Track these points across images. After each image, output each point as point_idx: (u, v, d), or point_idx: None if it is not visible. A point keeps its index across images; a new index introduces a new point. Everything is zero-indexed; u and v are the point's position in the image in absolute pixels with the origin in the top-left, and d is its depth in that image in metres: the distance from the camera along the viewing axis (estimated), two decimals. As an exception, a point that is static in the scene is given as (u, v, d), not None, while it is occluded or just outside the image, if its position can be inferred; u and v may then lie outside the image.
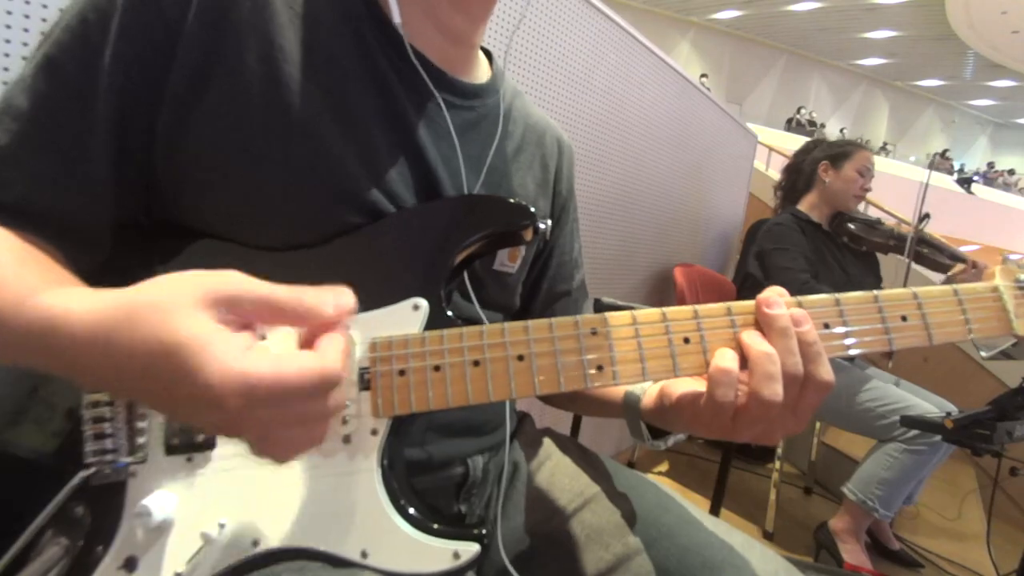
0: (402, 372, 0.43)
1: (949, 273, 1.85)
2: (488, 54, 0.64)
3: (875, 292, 0.43)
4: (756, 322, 0.42)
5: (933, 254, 1.90)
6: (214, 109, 0.43)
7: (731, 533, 0.55)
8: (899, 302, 0.43)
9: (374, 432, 0.43)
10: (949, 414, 1.05)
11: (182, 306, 0.31)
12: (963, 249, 1.90)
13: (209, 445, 0.42)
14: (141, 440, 0.41)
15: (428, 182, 0.51)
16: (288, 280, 0.45)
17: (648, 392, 0.54)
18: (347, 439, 0.43)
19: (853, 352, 0.42)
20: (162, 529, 0.40)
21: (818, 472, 2.24)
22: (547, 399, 0.71)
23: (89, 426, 0.40)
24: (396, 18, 0.49)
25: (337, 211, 0.46)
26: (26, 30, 0.67)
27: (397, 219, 0.48)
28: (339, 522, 0.42)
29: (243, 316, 0.33)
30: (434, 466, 0.54)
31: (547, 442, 0.67)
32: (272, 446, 0.34)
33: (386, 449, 0.43)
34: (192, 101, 0.43)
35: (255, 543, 0.41)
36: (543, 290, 0.68)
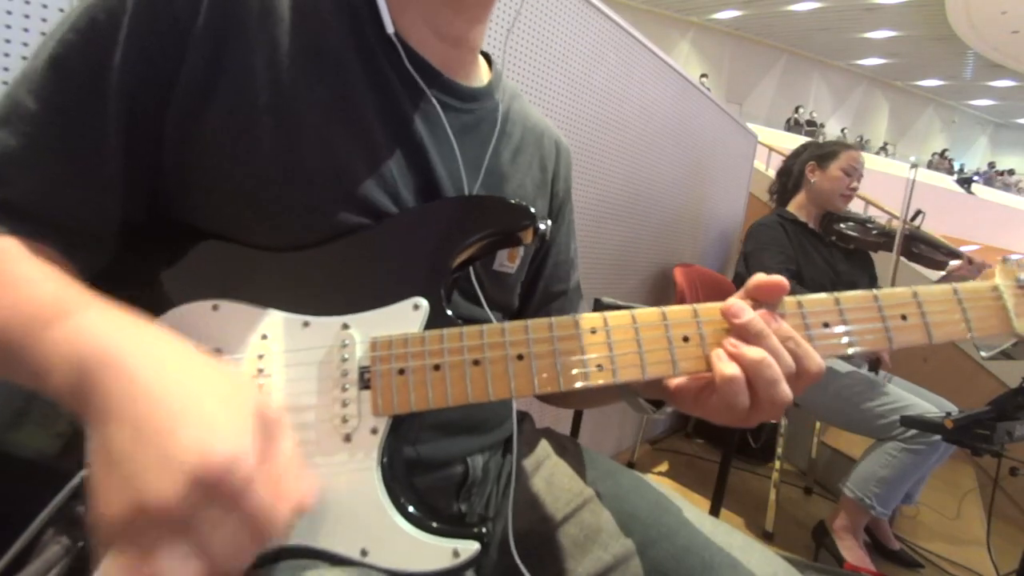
0: (402, 371, 0.43)
1: (946, 270, 1.85)
2: (488, 58, 0.65)
3: (875, 291, 0.43)
4: (729, 331, 0.42)
5: (928, 251, 1.90)
6: (221, 111, 0.43)
7: (731, 534, 0.56)
8: (899, 301, 0.43)
9: (374, 431, 0.43)
10: (949, 414, 1.05)
11: (243, 400, 0.31)
12: (963, 249, 1.90)
13: None
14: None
15: (429, 183, 0.51)
16: (292, 279, 0.45)
17: None
18: (347, 438, 0.43)
19: (852, 351, 0.42)
20: (162, 528, 0.40)
21: (818, 472, 2.24)
22: (549, 395, 0.71)
23: (90, 425, 0.40)
24: (389, 28, 0.49)
25: (341, 212, 0.46)
26: (26, 30, 0.67)
27: (398, 220, 0.48)
28: (339, 520, 0.42)
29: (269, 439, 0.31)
30: (434, 465, 0.54)
31: (547, 442, 0.67)
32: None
33: (386, 448, 0.43)
34: (200, 103, 0.43)
35: (255, 542, 0.41)
36: (539, 290, 0.69)
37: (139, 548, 0.26)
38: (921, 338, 0.42)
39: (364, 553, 0.42)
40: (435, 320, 0.45)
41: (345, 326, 0.44)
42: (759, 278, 0.43)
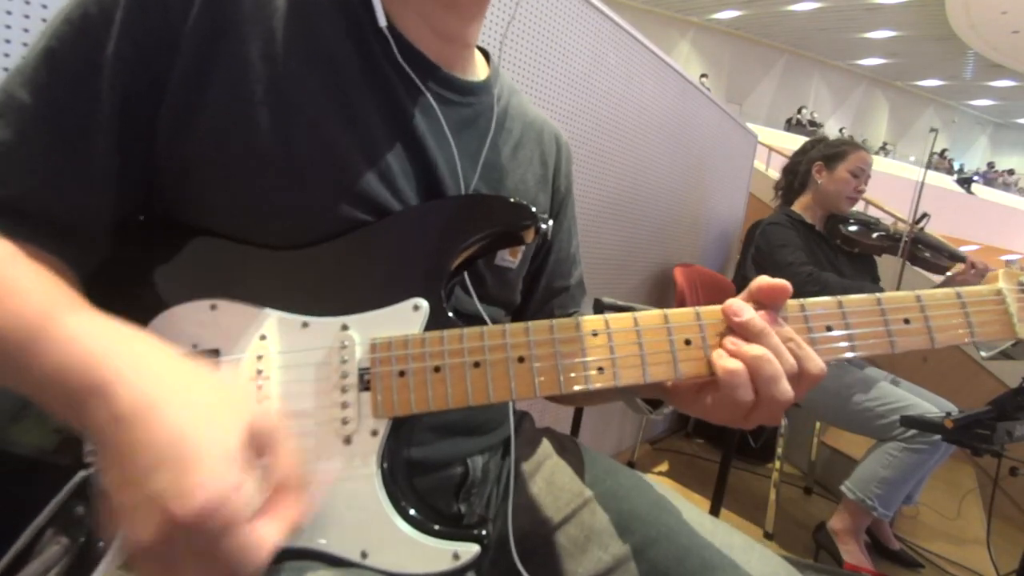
0: (402, 373, 0.43)
1: (948, 274, 1.85)
2: (486, 53, 0.64)
3: (878, 295, 0.43)
4: (729, 331, 0.42)
5: (932, 256, 1.88)
6: (216, 106, 0.43)
7: (731, 534, 0.55)
8: (902, 305, 0.43)
9: (374, 433, 0.43)
10: (949, 414, 1.05)
11: (228, 418, 0.31)
12: (963, 249, 1.90)
13: None
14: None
15: (429, 178, 0.51)
16: (290, 278, 0.45)
17: None
18: (347, 440, 0.43)
19: (855, 355, 0.42)
20: (162, 529, 0.40)
21: (818, 472, 2.24)
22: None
23: (89, 426, 0.40)
24: (381, 21, 0.49)
25: (340, 208, 0.46)
26: (26, 30, 0.67)
27: (397, 219, 0.48)
28: (339, 522, 0.42)
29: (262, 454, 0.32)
30: (434, 466, 0.54)
31: (547, 442, 0.67)
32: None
33: (386, 450, 0.43)
34: (194, 97, 0.43)
35: (255, 543, 0.41)
36: (540, 286, 0.68)
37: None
38: (924, 342, 0.42)
39: (364, 555, 0.42)
40: (435, 321, 0.45)
41: (344, 327, 0.44)
42: (762, 280, 0.42)
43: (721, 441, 2.24)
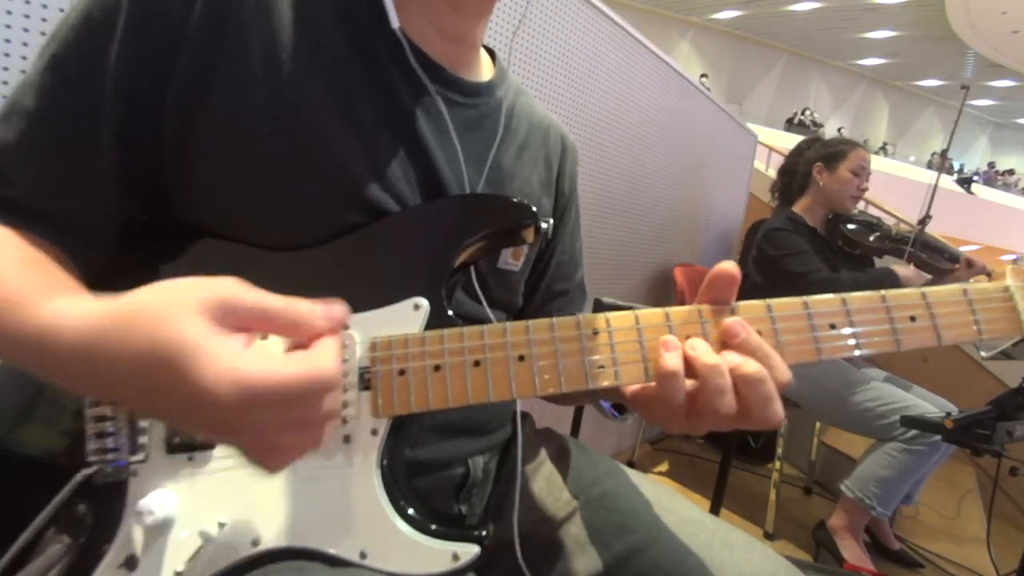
0: (402, 372, 0.43)
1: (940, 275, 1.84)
2: (492, 53, 0.64)
3: (883, 292, 0.42)
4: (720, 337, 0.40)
5: (932, 258, 1.87)
6: (218, 109, 0.43)
7: (732, 533, 0.55)
8: (908, 302, 0.42)
9: (374, 432, 0.43)
10: (949, 414, 1.05)
11: (177, 311, 0.31)
12: (963, 249, 1.89)
13: (210, 444, 0.42)
14: (143, 439, 0.41)
15: (432, 180, 0.51)
16: (291, 279, 0.45)
17: None
18: (347, 439, 0.43)
19: (859, 353, 0.42)
20: (163, 528, 0.40)
21: (818, 472, 2.24)
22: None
23: (91, 425, 0.40)
24: (395, 23, 0.49)
25: (341, 210, 0.46)
26: (26, 30, 0.67)
27: (399, 218, 0.48)
28: (338, 522, 0.42)
29: (237, 323, 0.32)
30: (434, 466, 0.54)
31: (547, 442, 0.67)
32: (267, 452, 0.33)
33: (386, 449, 0.43)
34: (196, 100, 0.43)
35: (254, 543, 0.41)
36: (542, 288, 0.68)
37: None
38: (930, 340, 0.41)
39: (363, 555, 0.42)
40: (436, 320, 0.45)
41: (345, 326, 0.44)
42: (721, 268, 0.41)
43: (721, 441, 2.24)
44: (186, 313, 0.30)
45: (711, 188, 2.50)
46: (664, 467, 2.26)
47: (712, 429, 0.40)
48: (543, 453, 0.65)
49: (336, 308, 0.35)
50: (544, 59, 1.36)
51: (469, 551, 0.42)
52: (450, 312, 0.46)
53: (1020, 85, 15.89)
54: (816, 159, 1.88)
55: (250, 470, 0.42)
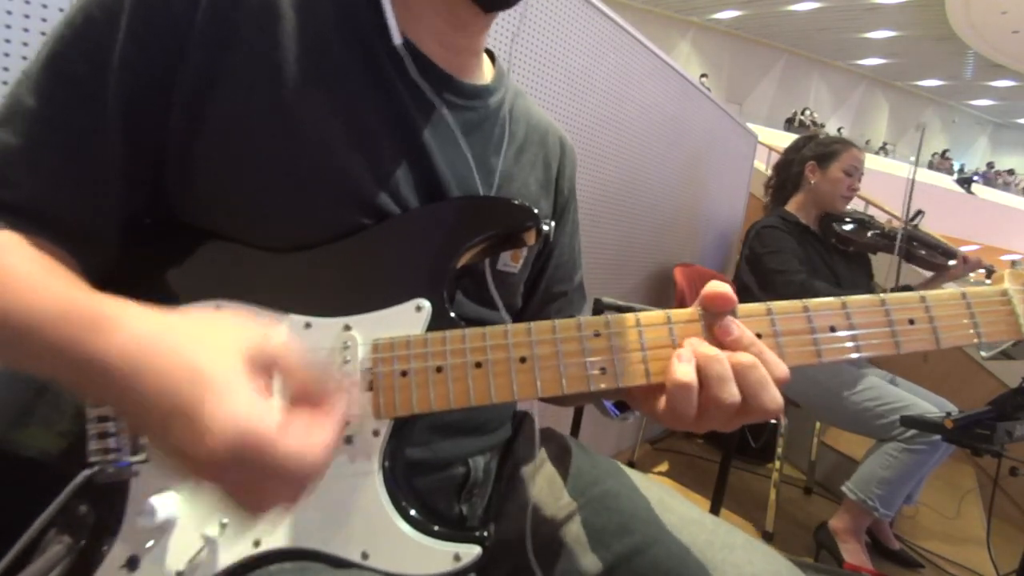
0: (404, 373, 0.43)
1: (938, 270, 1.84)
2: (492, 55, 0.64)
3: (882, 295, 0.42)
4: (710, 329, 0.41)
5: (928, 254, 1.87)
6: (221, 111, 0.43)
7: (732, 533, 0.55)
8: (907, 305, 0.42)
9: (376, 433, 0.43)
10: (949, 414, 1.05)
11: (221, 343, 0.32)
12: (963, 249, 1.89)
13: None
14: (144, 440, 0.41)
15: (432, 184, 0.51)
16: (294, 280, 0.45)
17: None
18: (349, 440, 0.43)
19: (859, 356, 0.42)
20: (164, 528, 0.40)
21: (818, 472, 2.24)
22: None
23: (93, 425, 0.40)
24: (396, 40, 0.49)
25: (343, 213, 0.46)
26: (26, 30, 0.67)
27: (401, 220, 0.48)
28: (340, 523, 0.42)
29: (268, 373, 0.33)
30: (435, 466, 0.54)
31: (548, 442, 0.67)
32: (245, 500, 0.32)
33: (388, 450, 0.43)
34: (200, 103, 0.43)
35: (256, 543, 0.41)
36: (540, 290, 0.68)
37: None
38: (929, 343, 0.42)
39: (365, 556, 0.42)
40: (438, 322, 0.45)
41: (347, 327, 0.44)
42: (713, 287, 0.42)
43: (721, 441, 2.24)
44: (231, 350, 0.32)
45: (711, 188, 2.50)
46: (664, 467, 2.26)
47: (716, 427, 0.40)
48: (544, 453, 0.65)
49: (349, 381, 0.35)
50: (544, 59, 1.36)
51: (471, 552, 0.42)
52: (452, 314, 0.46)
53: (1020, 85, 15.89)
54: (810, 157, 1.88)
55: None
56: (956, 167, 15.65)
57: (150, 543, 0.40)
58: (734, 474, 2.11)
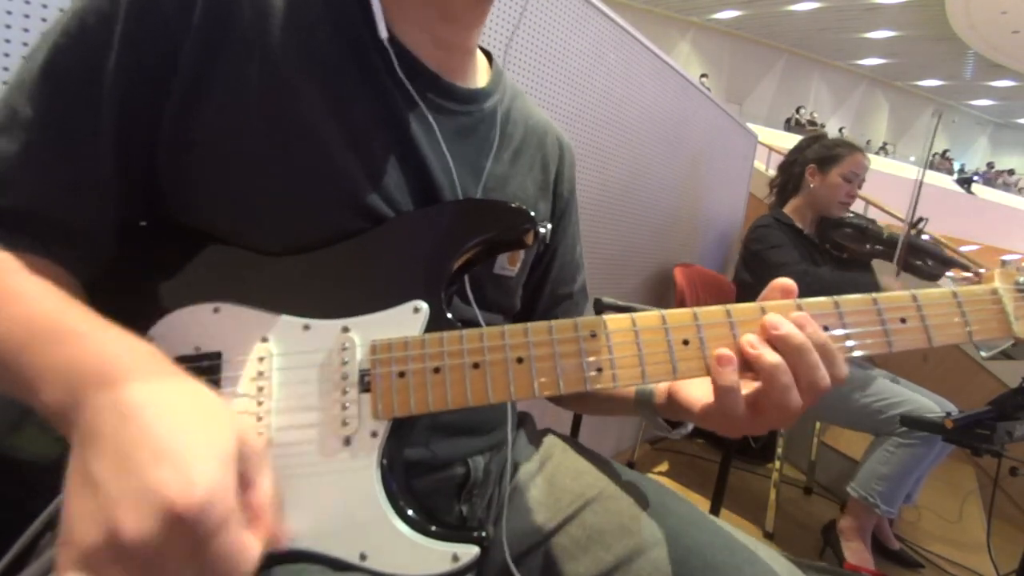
0: (402, 374, 0.43)
1: (949, 274, 1.82)
2: (488, 55, 0.64)
3: (874, 295, 0.43)
4: (761, 328, 0.42)
5: (925, 264, 1.84)
6: (216, 115, 0.43)
7: (733, 534, 0.55)
8: (898, 304, 0.43)
9: (374, 434, 0.43)
10: (949, 414, 1.05)
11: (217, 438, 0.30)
12: (963, 249, 1.88)
13: None
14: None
15: (426, 187, 0.51)
16: (290, 283, 0.45)
17: (659, 388, 0.54)
18: (347, 441, 0.43)
19: (853, 355, 0.42)
20: (162, 530, 0.40)
21: (818, 472, 2.24)
22: (555, 399, 0.71)
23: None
24: (382, 34, 0.49)
25: (338, 216, 0.47)
26: (26, 30, 0.67)
27: (398, 223, 0.48)
28: (338, 524, 0.42)
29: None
30: (435, 466, 0.54)
31: (547, 442, 0.67)
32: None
33: (386, 451, 0.43)
34: (194, 107, 0.43)
35: (255, 545, 0.41)
36: (545, 293, 0.68)
37: None
38: (921, 341, 0.42)
39: (363, 557, 0.42)
40: (435, 323, 0.45)
41: (345, 329, 0.44)
42: (778, 283, 0.43)
43: (721, 441, 2.24)
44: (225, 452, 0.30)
45: (711, 188, 2.50)
46: (664, 467, 2.26)
47: (772, 425, 0.42)
48: (544, 454, 0.65)
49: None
50: (543, 59, 1.36)
51: (469, 552, 0.42)
52: (449, 315, 0.46)
53: (1020, 85, 15.90)
54: (811, 159, 1.86)
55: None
56: (956, 167, 15.65)
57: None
58: (734, 474, 2.11)
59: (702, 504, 1.63)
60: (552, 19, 1.37)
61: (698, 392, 0.47)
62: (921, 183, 1.78)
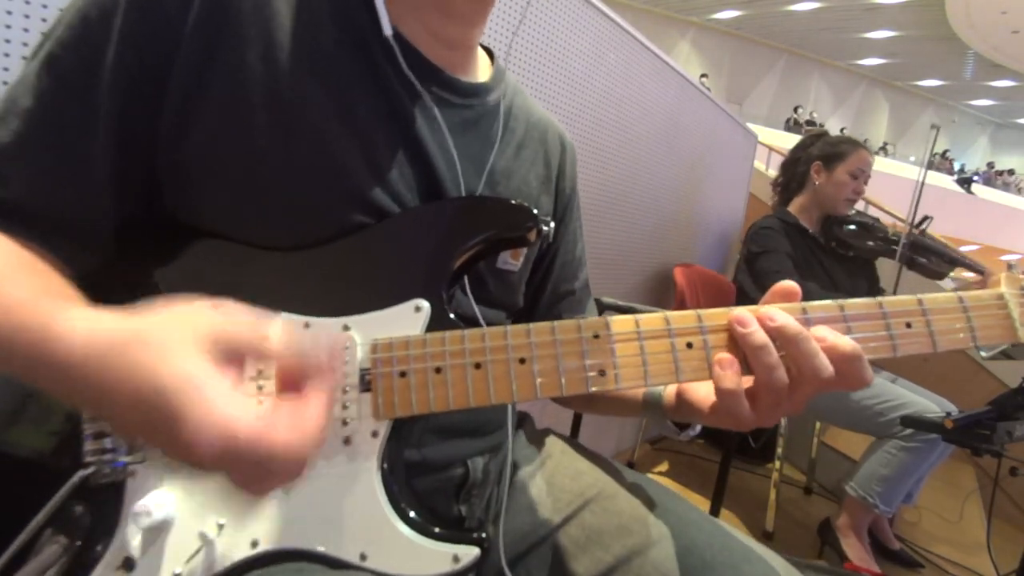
0: (403, 374, 0.42)
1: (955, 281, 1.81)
2: (490, 52, 0.64)
3: (880, 299, 0.42)
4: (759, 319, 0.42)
5: (930, 262, 1.83)
6: (215, 108, 0.43)
7: (732, 534, 0.55)
8: (904, 308, 0.42)
9: (374, 434, 0.43)
10: (949, 414, 1.05)
11: (181, 345, 0.31)
12: (963, 249, 1.88)
13: None
14: (140, 440, 0.41)
15: (430, 181, 0.51)
16: (291, 280, 0.45)
17: (668, 390, 0.54)
18: (347, 441, 0.43)
19: None
20: (161, 529, 0.40)
21: (818, 472, 2.24)
22: (558, 399, 0.71)
23: (88, 425, 0.40)
24: (387, 30, 0.49)
25: (340, 210, 0.46)
26: (26, 30, 0.67)
27: (399, 220, 0.48)
28: (338, 524, 0.42)
29: (237, 357, 0.33)
30: (434, 467, 0.53)
31: (547, 442, 0.67)
32: (245, 485, 0.33)
33: (386, 451, 0.43)
34: (194, 100, 0.43)
35: (254, 544, 0.41)
36: (548, 291, 0.68)
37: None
38: (926, 346, 0.42)
39: (363, 557, 0.42)
40: (437, 322, 0.44)
41: (346, 327, 0.44)
42: (781, 286, 0.43)
43: (721, 441, 2.24)
44: (190, 349, 0.31)
45: (711, 188, 2.50)
46: (664, 467, 2.25)
47: (775, 415, 0.43)
48: (543, 454, 0.65)
49: (336, 347, 0.35)
50: (543, 59, 1.36)
51: (469, 553, 0.42)
52: (451, 315, 0.46)
53: (1020, 85, 15.90)
54: (816, 157, 1.85)
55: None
56: (956, 167, 15.65)
57: (147, 544, 0.40)
58: (734, 474, 2.11)
59: (702, 504, 1.62)
60: (553, 19, 1.36)
61: (706, 390, 0.47)
62: (922, 186, 1.78)
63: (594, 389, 0.42)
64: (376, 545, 0.42)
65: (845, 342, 0.40)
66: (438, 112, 0.52)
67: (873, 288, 1.89)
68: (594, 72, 1.55)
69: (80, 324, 0.33)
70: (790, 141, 2.10)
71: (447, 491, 0.56)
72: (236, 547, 0.41)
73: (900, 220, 1.92)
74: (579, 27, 1.45)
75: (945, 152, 16.71)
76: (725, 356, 0.41)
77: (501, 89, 0.60)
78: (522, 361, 0.42)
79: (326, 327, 0.44)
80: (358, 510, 0.42)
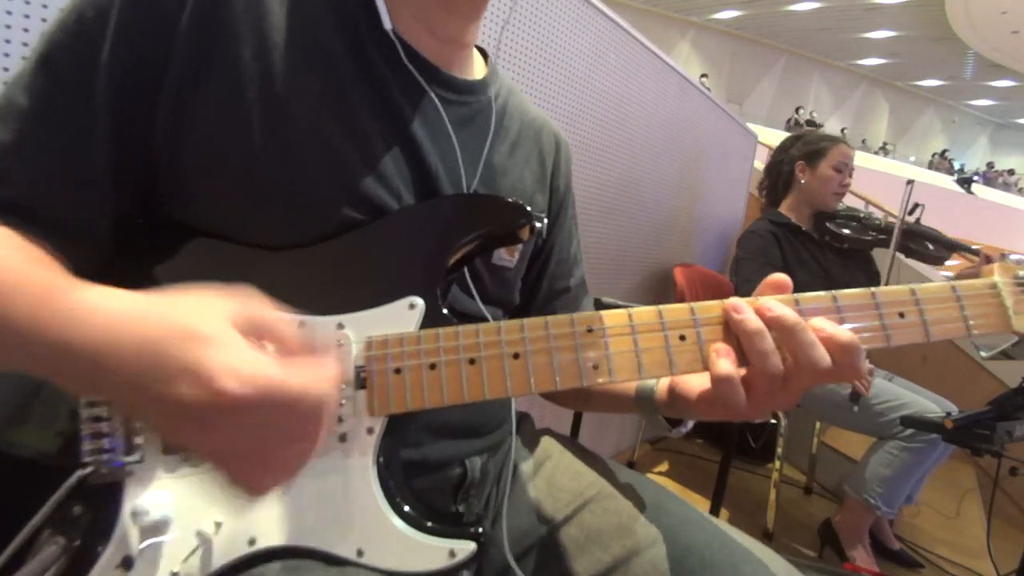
0: (398, 371, 0.43)
1: (954, 270, 1.81)
2: (484, 53, 0.64)
3: (872, 289, 0.43)
4: (725, 326, 0.42)
5: (925, 247, 1.84)
6: (211, 105, 0.43)
7: (732, 534, 0.55)
8: (897, 299, 0.42)
9: (370, 431, 0.43)
10: (949, 414, 1.05)
11: (210, 310, 0.34)
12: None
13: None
14: (138, 439, 0.41)
15: (425, 178, 0.51)
16: (286, 278, 0.45)
17: (661, 385, 0.54)
18: (343, 437, 0.43)
19: None
20: (159, 528, 0.40)
21: (818, 472, 2.24)
22: (552, 397, 0.71)
23: (86, 425, 0.40)
24: (387, 24, 0.49)
25: (336, 207, 0.46)
26: (26, 30, 0.67)
27: (393, 218, 0.48)
28: (335, 521, 0.42)
29: (258, 336, 0.35)
30: (432, 467, 0.53)
31: (547, 442, 0.67)
32: (253, 465, 0.34)
33: (382, 448, 0.43)
34: (189, 97, 0.43)
35: (251, 542, 0.41)
36: (543, 288, 0.68)
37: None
38: (919, 336, 0.42)
39: (360, 553, 0.42)
40: (431, 319, 0.45)
41: (340, 325, 0.44)
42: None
43: (721, 441, 2.24)
44: (220, 317, 0.33)
45: (711, 188, 2.50)
46: (664, 467, 2.25)
47: (769, 406, 0.42)
48: (543, 454, 0.65)
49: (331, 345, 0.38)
50: (543, 59, 1.36)
51: (465, 548, 0.42)
52: (445, 311, 0.46)
53: (1020, 85, 15.90)
54: (798, 157, 1.87)
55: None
56: (956, 167, 15.64)
57: (145, 543, 0.40)
58: (734, 474, 2.11)
59: (702, 504, 1.62)
60: (553, 20, 1.37)
61: (699, 381, 0.47)
62: (912, 184, 1.79)
63: (589, 383, 0.42)
64: (372, 541, 0.42)
65: (843, 333, 0.40)
66: (441, 107, 0.52)
67: (871, 280, 1.90)
68: (594, 72, 1.55)
69: (109, 292, 0.35)
70: (782, 142, 2.11)
71: (445, 491, 0.56)
72: (234, 545, 0.41)
73: (893, 216, 1.91)
74: (578, 27, 1.46)
75: (945, 152, 16.72)
76: (720, 345, 0.41)
77: (496, 87, 0.61)
78: (516, 356, 0.42)
79: (320, 325, 0.44)
80: (354, 507, 0.42)
